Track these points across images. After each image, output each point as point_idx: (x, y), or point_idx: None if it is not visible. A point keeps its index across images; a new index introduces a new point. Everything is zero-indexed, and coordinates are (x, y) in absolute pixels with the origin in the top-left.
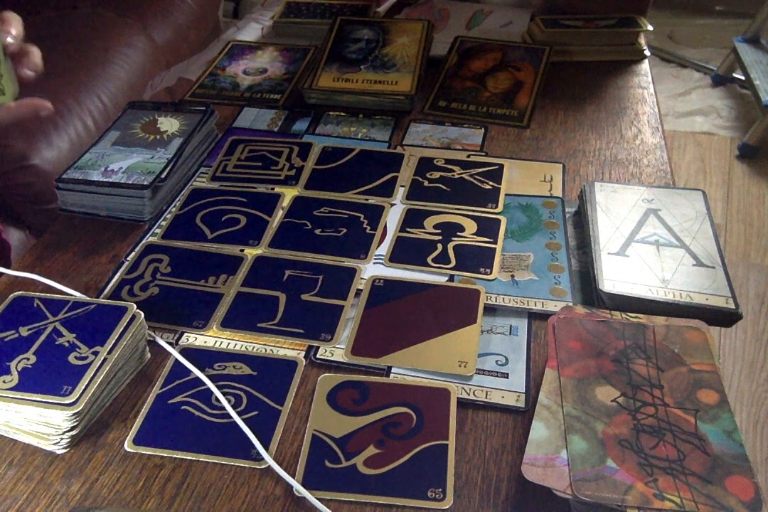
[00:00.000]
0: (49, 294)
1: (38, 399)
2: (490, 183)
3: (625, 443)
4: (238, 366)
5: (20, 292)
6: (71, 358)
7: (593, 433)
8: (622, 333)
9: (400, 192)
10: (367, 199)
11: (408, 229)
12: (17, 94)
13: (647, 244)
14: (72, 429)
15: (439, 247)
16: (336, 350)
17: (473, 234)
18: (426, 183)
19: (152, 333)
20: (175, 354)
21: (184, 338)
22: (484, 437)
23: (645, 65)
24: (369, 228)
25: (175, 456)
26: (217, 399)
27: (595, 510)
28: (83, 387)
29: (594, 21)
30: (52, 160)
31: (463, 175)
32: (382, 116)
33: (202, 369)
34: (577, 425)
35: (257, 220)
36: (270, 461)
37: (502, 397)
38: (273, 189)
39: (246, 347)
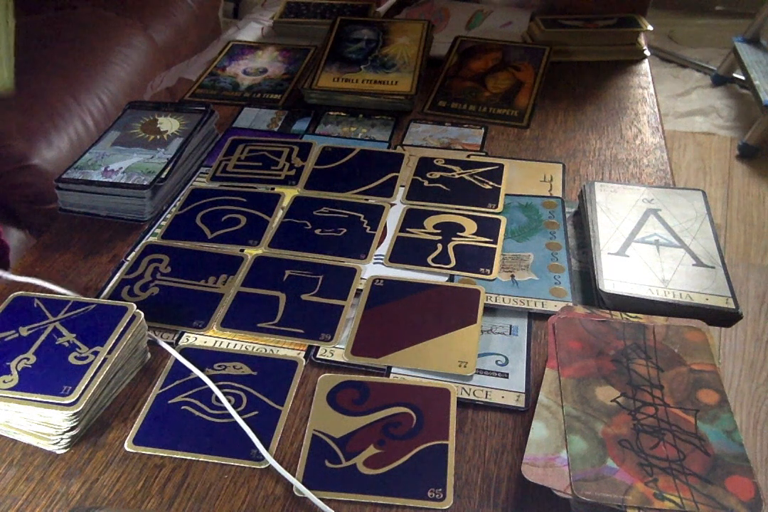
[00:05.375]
0: (49, 294)
1: (38, 399)
2: (490, 183)
3: (625, 443)
4: (238, 366)
5: (20, 292)
6: (71, 358)
7: (593, 433)
8: (622, 333)
9: (400, 192)
10: (367, 199)
11: (408, 229)
12: (8, 85)
13: (647, 244)
14: (72, 429)
15: (439, 247)
16: (336, 350)
17: (473, 234)
18: (426, 183)
19: (152, 335)
20: (176, 354)
21: (184, 338)
22: (484, 437)
23: (645, 65)
24: (369, 228)
25: (175, 456)
26: (217, 399)
27: (595, 510)
28: (83, 387)
29: (594, 21)
30: (52, 160)
31: (463, 175)
32: (382, 116)
33: (202, 369)
34: (577, 425)
35: (257, 220)
36: (270, 460)
37: (502, 397)
38: (273, 189)
39: (246, 347)
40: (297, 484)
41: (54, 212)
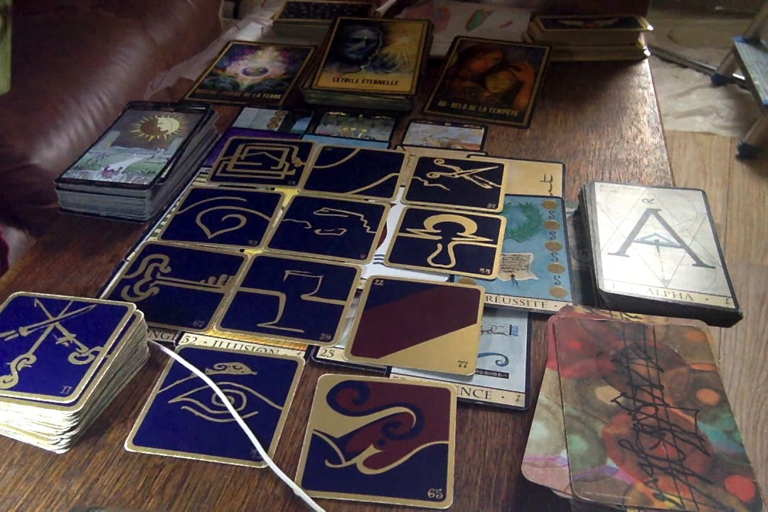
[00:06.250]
0: (49, 294)
1: (38, 399)
2: (490, 183)
3: (625, 443)
4: (238, 366)
5: (20, 292)
6: (71, 358)
7: (593, 433)
8: (622, 333)
9: (400, 192)
10: (367, 199)
11: (408, 229)
12: (6, 89)
13: (647, 244)
14: (72, 429)
15: (439, 247)
16: (336, 350)
17: (473, 234)
18: (426, 183)
19: (152, 342)
20: (175, 356)
21: (184, 338)
22: (484, 437)
23: (645, 65)
24: (369, 228)
25: (175, 456)
26: (218, 399)
27: (595, 510)
28: (83, 387)
29: (594, 21)
30: (52, 160)
31: (463, 175)
32: (382, 116)
33: (202, 370)
34: (577, 425)
35: (257, 220)
36: (269, 462)
37: (502, 397)
38: (273, 189)
39: (246, 347)
40: (294, 487)
41: (54, 212)
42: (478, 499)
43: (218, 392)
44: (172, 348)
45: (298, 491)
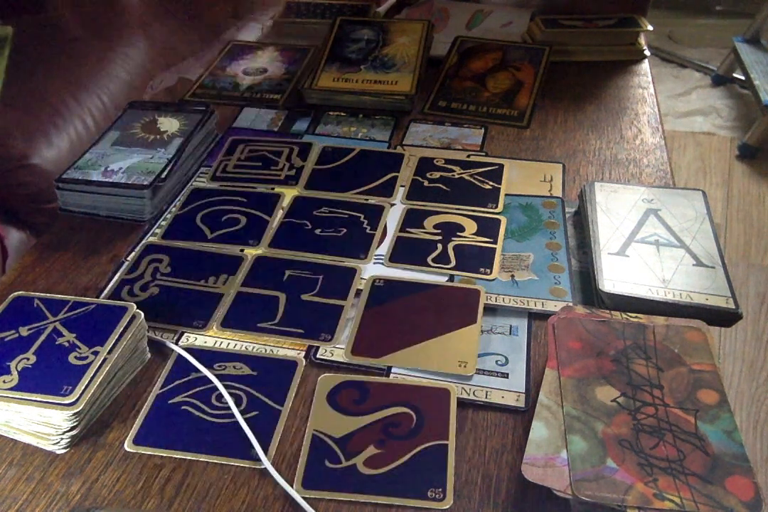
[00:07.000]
0: (49, 295)
1: (38, 399)
2: (490, 183)
3: (625, 443)
4: (238, 366)
5: (20, 292)
6: (71, 358)
7: (593, 433)
8: (622, 333)
9: (400, 192)
10: (367, 199)
11: (408, 229)
12: None
13: (647, 244)
14: (72, 429)
15: (439, 247)
16: (336, 350)
17: (473, 234)
18: (426, 183)
19: (153, 335)
20: (179, 350)
21: (184, 338)
22: (484, 437)
23: (645, 65)
24: (369, 228)
25: (175, 456)
26: (218, 399)
27: (595, 510)
28: (83, 387)
29: (594, 21)
30: (52, 160)
31: (463, 175)
32: (382, 116)
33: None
34: (577, 425)
35: (257, 220)
36: (267, 464)
37: (502, 397)
38: (273, 189)
39: (246, 347)
40: (290, 490)
41: (54, 212)
42: (478, 499)
43: (222, 390)
44: (172, 350)
45: (294, 493)
